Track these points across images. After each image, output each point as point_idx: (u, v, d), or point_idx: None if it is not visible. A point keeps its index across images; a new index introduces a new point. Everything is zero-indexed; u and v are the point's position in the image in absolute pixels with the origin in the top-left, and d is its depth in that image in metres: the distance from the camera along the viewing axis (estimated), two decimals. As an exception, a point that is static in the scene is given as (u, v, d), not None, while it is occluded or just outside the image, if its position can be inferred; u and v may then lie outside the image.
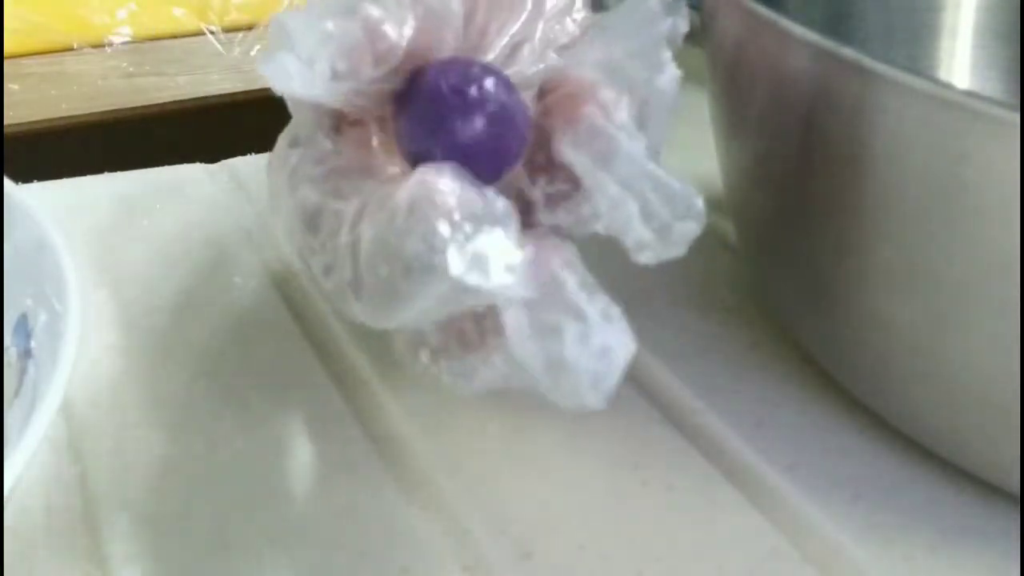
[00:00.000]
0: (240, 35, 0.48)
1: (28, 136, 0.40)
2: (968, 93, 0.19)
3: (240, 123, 0.45)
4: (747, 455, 0.25)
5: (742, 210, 0.29)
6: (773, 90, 0.24)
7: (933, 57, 0.37)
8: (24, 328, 0.23)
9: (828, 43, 0.21)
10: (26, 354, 0.22)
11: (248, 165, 0.38)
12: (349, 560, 0.22)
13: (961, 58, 0.37)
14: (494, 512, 0.24)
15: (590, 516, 0.24)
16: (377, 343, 0.29)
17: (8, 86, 0.43)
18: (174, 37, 0.49)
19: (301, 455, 0.25)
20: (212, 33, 0.49)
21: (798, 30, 0.22)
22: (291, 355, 0.29)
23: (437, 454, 0.25)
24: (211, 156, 0.39)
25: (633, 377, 0.28)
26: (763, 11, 0.23)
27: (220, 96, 0.43)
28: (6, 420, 0.21)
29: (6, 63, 0.45)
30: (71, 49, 0.47)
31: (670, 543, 0.23)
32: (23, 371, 0.22)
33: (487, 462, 0.25)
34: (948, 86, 0.19)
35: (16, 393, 0.21)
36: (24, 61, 0.45)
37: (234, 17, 0.49)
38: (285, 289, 0.31)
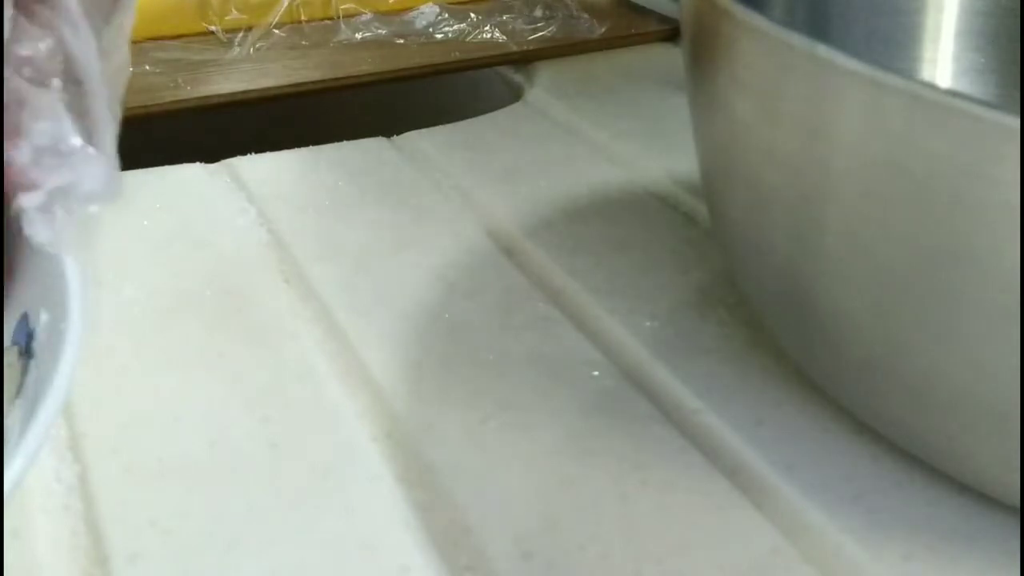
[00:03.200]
0: (240, 35, 0.48)
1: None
2: (950, 92, 0.19)
3: (240, 123, 0.45)
4: (747, 455, 0.25)
5: (714, 206, 0.29)
6: (746, 87, 0.24)
7: (915, 58, 0.37)
8: (25, 327, 0.22)
9: (801, 40, 0.21)
10: (27, 353, 0.22)
11: (248, 165, 0.38)
12: (349, 559, 0.22)
13: (943, 60, 0.37)
14: (494, 512, 0.24)
15: (590, 516, 0.24)
16: (380, 342, 0.29)
17: (8, 86, 0.43)
18: (174, 37, 0.49)
19: (302, 454, 0.25)
20: (212, 33, 0.49)
21: (769, 26, 0.22)
22: (292, 354, 0.29)
23: (437, 453, 0.25)
24: (211, 156, 0.39)
25: (633, 377, 0.28)
26: (737, 9, 0.23)
27: (220, 96, 0.43)
28: (7, 421, 0.21)
29: (6, 63, 0.45)
30: (71, 49, 0.47)
31: (670, 543, 0.23)
32: (24, 371, 0.21)
33: (487, 462, 0.25)
34: (928, 85, 0.19)
35: (18, 393, 0.21)
36: (24, 61, 0.45)
37: (234, 17, 0.49)
38: (284, 287, 0.31)
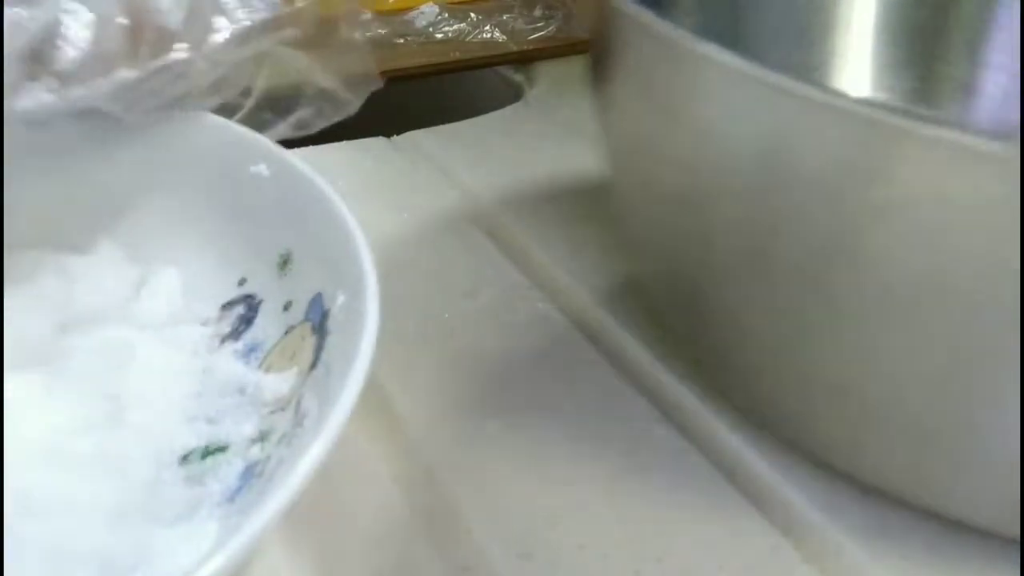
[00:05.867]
0: (240, 35, 0.48)
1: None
2: (832, 90, 0.18)
3: (240, 123, 0.45)
4: (747, 455, 0.25)
5: (617, 208, 0.28)
6: (637, 87, 0.23)
7: (832, 53, 0.36)
8: (320, 306, 0.24)
9: (683, 36, 0.21)
10: (321, 331, 0.23)
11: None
12: (349, 559, 0.22)
13: (862, 55, 0.36)
14: (494, 512, 0.24)
15: (590, 516, 0.24)
16: (379, 342, 0.29)
17: (8, 86, 0.43)
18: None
19: (301, 455, 0.25)
20: (212, 33, 0.49)
21: (654, 22, 0.21)
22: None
23: (437, 454, 0.25)
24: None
25: (634, 378, 0.28)
26: (626, 5, 0.22)
27: (220, 96, 0.43)
28: (302, 388, 0.22)
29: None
30: (71, 49, 0.47)
31: (670, 543, 0.23)
32: (319, 347, 0.23)
33: (488, 462, 0.25)
34: (808, 83, 0.19)
35: (312, 366, 0.22)
36: (24, 61, 0.45)
37: (234, 17, 0.49)
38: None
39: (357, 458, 0.25)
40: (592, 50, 0.27)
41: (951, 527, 0.23)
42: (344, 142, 0.41)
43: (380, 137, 0.42)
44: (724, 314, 0.24)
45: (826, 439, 0.24)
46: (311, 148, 0.40)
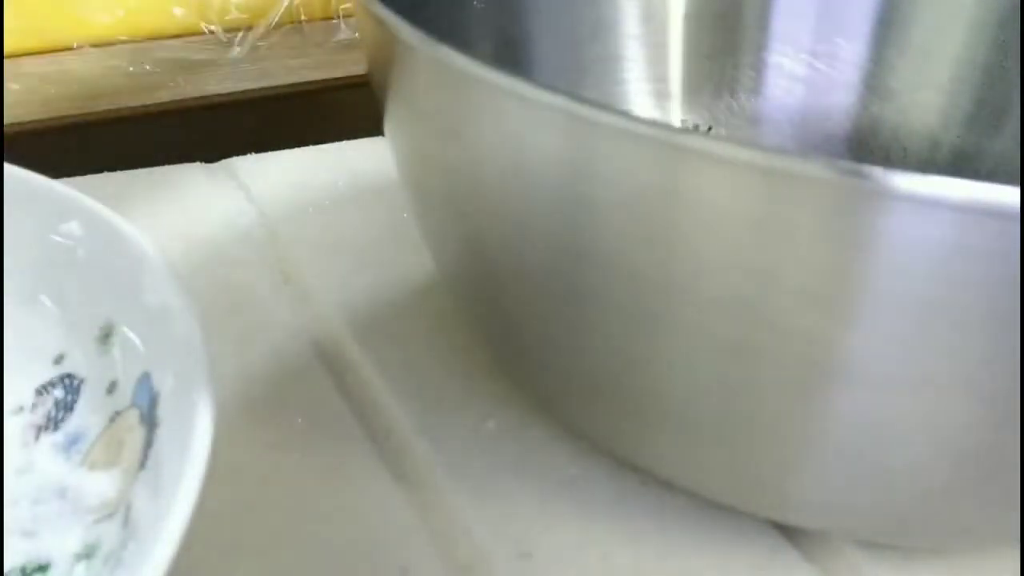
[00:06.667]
0: (240, 35, 0.48)
1: (28, 136, 0.40)
2: (553, 90, 0.18)
3: (240, 123, 0.45)
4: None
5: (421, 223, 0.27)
6: (393, 92, 0.23)
7: (650, 44, 0.35)
8: (148, 389, 0.20)
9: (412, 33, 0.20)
10: (151, 422, 0.20)
11: (248, 165, 0.38)
12: (349, 560, 0.22)
13: (674, 43, 0.35)
14: (494, 512, 0.24)
15: (590, 516, 0.24)
16: (379, 341, 0.29)
17: (8, 86, 0.43)
18: (174, 36, 0.49)
19: (301, 454, 0.25)
20: (212, 33, 0.49)
21: (417, 39, 0.20)
22: (290, 353, 0.29)
23: (437, 454, 0.25)
24: (211, 156, 0.39)
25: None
26: (378, 9, 0.21)
27: (220, 96, 0.43)
28: (131, 492, 0.19)
29: (6, 62, 0.45)
30: (71, 49, 0.47)
31: (669, 542, 0.23)
32: (148, 441, 0.19)
33: (487, 462, 0.25)
34: (535, 86, 0.18)
35: (141, 465, 0.19)
36: (24, 61, 0.45)
37: (234, 17, 0.49)
38: (284, 287, 0.31)
39: (357, 460, 0.25)
40: (368, 66, 0.25)
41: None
42: (344, 142, 0.41)
43: (379, 137, 0.41)
44: (510, 327, 0.24)
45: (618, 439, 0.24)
46: (311, 148, 0.40)
